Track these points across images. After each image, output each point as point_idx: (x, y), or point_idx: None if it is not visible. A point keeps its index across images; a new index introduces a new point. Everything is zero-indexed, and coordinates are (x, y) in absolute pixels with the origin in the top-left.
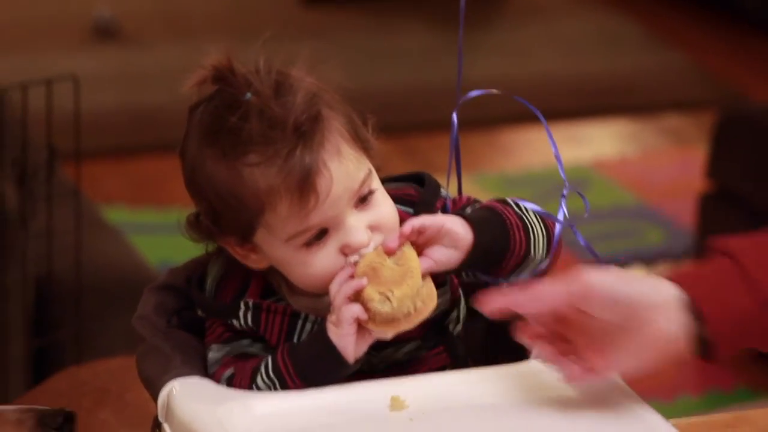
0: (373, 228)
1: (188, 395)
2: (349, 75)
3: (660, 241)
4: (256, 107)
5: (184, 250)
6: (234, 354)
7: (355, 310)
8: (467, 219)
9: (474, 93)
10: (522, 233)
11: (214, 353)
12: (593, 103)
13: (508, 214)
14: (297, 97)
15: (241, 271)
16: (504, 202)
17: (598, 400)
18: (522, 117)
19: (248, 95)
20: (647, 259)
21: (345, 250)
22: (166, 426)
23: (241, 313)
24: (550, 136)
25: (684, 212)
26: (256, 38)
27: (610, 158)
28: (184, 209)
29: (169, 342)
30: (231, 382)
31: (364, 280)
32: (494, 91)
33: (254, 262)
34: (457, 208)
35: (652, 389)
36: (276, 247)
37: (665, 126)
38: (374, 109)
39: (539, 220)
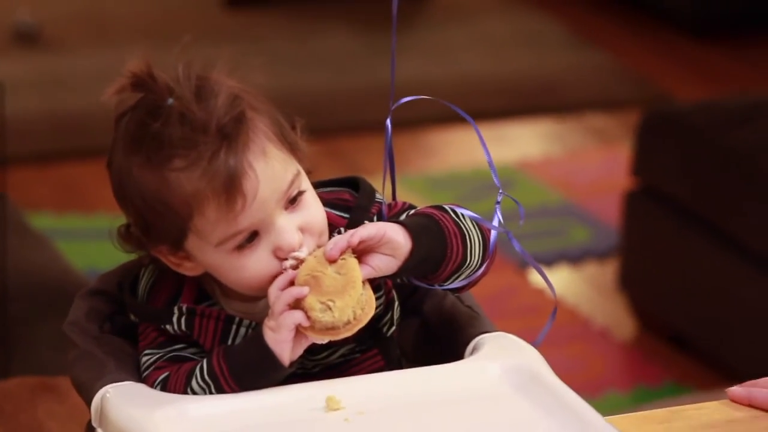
0: (303, 230)
1: (122, 400)
2: (273, 78)
3: (586, 239)
4: (177, 111)
5: (112, 255)
6: (167, 358)
7: (297, 317)
8: (406, 227)
9: (405, 99)
10: (459, 241)
11: (147, 357)
12: (518, 103)
13: (445, 221)
14: (219, 99)
15: (174, 276)
16: (441, 208)
17: (532, 397)
18: (445, 118)
19: (170, 101)
20: (573, 257)
21: (277, 253)
22: (100, 431)
23: (174, 318)
24: (483, 143)
25: (609, 210)
26: (178, 42)
27: (535, 158)
28: (110, 214)
29: (101, 348)
30: (165, 386)
31: (306, 289)
32: (426, 96)
33: (189, 269)
34: (393, 213)
35: (580, 385)
36: (208, 253)
37: (589, 125)
38: (300, 112)
39: (475, 226)
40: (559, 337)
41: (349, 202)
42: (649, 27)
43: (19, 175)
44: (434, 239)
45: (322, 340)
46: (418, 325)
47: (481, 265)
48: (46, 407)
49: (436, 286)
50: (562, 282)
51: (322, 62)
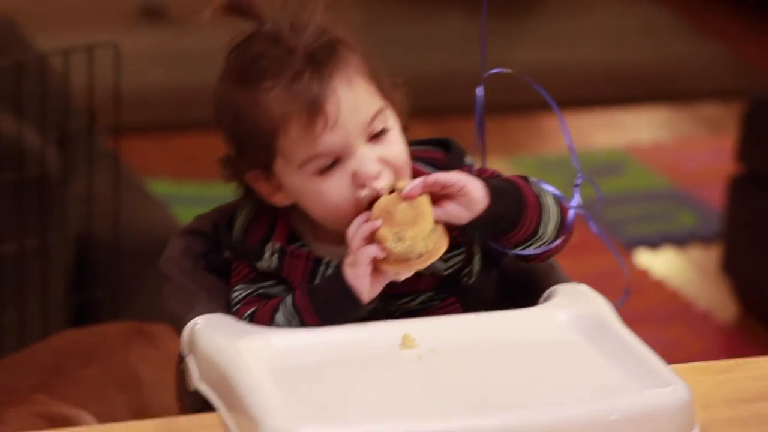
0: (383, 162)
1: (211, 330)
2: (386, 61)
3: (691, 223)
4: (271, 35)
5: None
6: (257, 294)
7: (372, 250)
8: (487, 186)
9: (495, 71)
10: (535, 212)
11: (238, 293)
12: (630, 91)
13: (526, 191)
14: (310, 28)
15: (269, 216)
16: (526, 179)
17: (598, 343)
18: (559, 103)
19: (266, 26)
20: (679, 240)
21: (356, 179)
22: (189, 358)
23: (266, 256)
24: (563, 124)
25: (715, 196)
26: None
27: (645, 144)
28: (226, 185)
29: (195, 282)
30: (252, 319)
31: (379, 222)
32: (509, 71)
33: (280, 199)
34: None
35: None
36: (292, 176)
37: (700, 114)
38: (414, 93)
39: (556, 203)
40: (661, 317)
41: (439, 160)
42: (763, 17)
43: (138, 144)
44: (511, 204)
45: (398, 274)
46: (498, 276)
47: (554, 239)
48: (140, 351)
49: (508, 251)
50: (667, 264)
51: (437, 45)
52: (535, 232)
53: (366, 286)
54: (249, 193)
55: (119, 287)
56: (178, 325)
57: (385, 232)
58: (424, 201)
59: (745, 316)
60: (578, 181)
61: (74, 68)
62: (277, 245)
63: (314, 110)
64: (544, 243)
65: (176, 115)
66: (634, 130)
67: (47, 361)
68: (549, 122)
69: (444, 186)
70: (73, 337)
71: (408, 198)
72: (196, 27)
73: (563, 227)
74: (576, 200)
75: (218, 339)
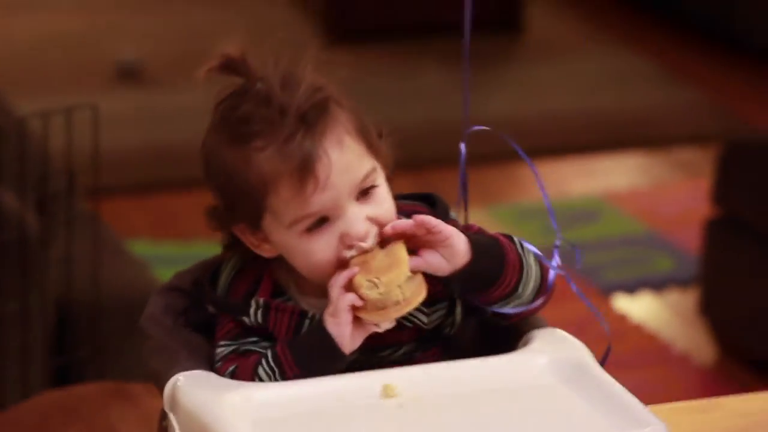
0: (372, 221)
1: (192, 386)
2: (370, 114)
3: (668, 267)
4: (263, 94)
5: None
6: (240, 351)
7: (350, 297)
8: (471, 241)
9: (476, 128)
10: (515, 272)
11: (222, 349)
12: (606, 138)
13: (509, 250)
14: (301, 87)
15: (254, 270)
16: (510, 238)
17: (578, 388)
18: (536, 152)
19: (258, 84)
20: (656, 284)
21: (344, 239)
22: (171, 416)
23: (251, 311)
24: (539, 182)
25: (691, 239)
26: None
27: (621, 190)
28: (207, 243)
29: (175, 340)
30: (234, 376)
31: (355, 269)
32: (488, 128)
33: (267, 251)
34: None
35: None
36: (280, 233)
37: (675, 159)
38: (394, 145)
39: (536, 264)
40: (640, 361)
41: (425, 213)
42: (739, 62)
43: (116, 205)
44: (492, 262)
45: (377, 324)
46: (476, 325)
47: (533, 300)
48: (120, 411)
49: (485, 307)
50: (645, 308)
51: (412, 98)
52: (513, 291)
53: (347, 335)
54: (234, 245)
55: (101, 348)
56: (159, 383)
57: (359, 279)
58: (401, 248)
59: (723, 358)
60: (557, 242)
61: (53, 131)
62: (261, 300)
63: (305, 172)
64: (522, 303)
65: (154, 175)
66: (610, 176)
67: (30, 421)
68: (526, 171)
69: (430, 230)
70: (54, 397)
71: (384, 236)
72: (172, 87)
73: (543, 288)
74: (556, 260)
75: (200, 395)
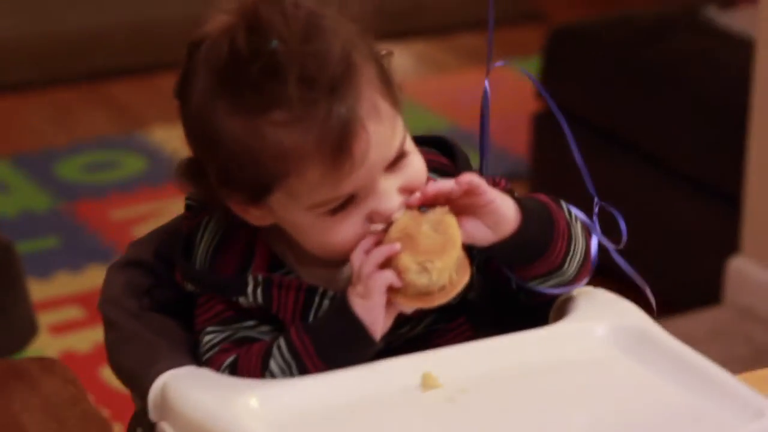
0: (403, 190)
1: (190, 388)
2: None
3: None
4: (281, 57)
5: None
6: (234, 339)
7: (388, 276)
8: (520, 206)
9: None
10: (564, 243)
11: (211, 336)
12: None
13: (559, 219)
14: (329, 46)
15: (242, 240)
16: (558, 202)
17: (647, 360)
18: None
19: (274, 43)
20: None
21: (374, 218)
22: (164, 425)
23: (249, 290)
24: (572, 141)
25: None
26: None
27: (408, 79)
28: None
29: (147, 328)
30: (234, 371)
31: (398, 246)
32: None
33: (255, 218)
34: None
35: None
36: (294, 213)
37: (459, 44)
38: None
39: (583, 235)
40: None
41: (447, 167)
42: None
43: None
44: (541, 231)
45: (410, 308)
46: (491, 288)
47: (574, 279)
48: (21, 398)
49: (525, 284)
50: None
51: None
52: (559, 266)
53: (380, 319)
54: (204, 207)
55: None
56: (136, 383)
57: (407, 261)
58: (451, 222)
59: None
60: (596, 210)
61: None
62: (261, 276)
63: (341, 152)
64: (563, 281)
65: None
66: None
67: None
68: None
69: (473, 192)
70: None
71: (426, 202)
72: None
73: (586, 264)
74: (598, 232)
75: (203, 399)
